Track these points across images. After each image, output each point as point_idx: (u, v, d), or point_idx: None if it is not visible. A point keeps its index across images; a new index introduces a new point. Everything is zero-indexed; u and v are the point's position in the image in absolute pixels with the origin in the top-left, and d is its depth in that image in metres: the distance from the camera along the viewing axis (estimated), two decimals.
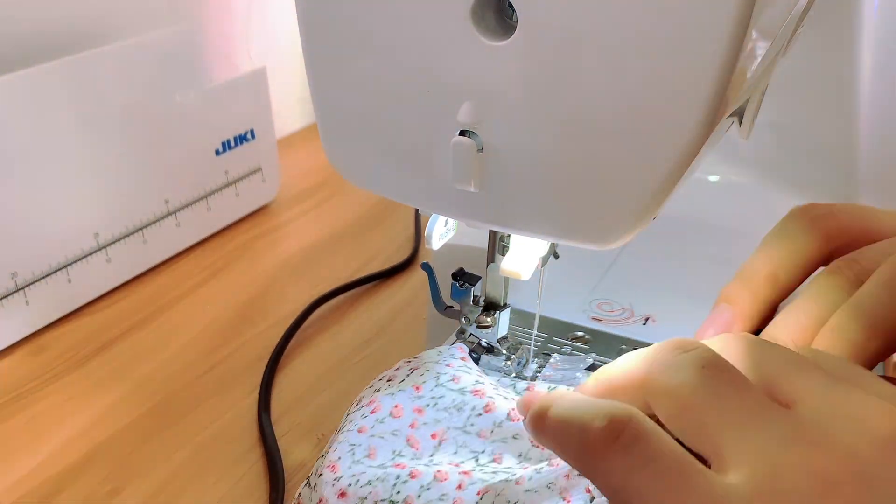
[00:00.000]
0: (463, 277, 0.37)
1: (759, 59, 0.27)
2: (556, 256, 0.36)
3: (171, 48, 0.57)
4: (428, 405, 0.33)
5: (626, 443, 0.24)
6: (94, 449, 0.43)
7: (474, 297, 0.37)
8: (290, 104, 0.80)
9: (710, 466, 0.24)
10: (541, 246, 0.34)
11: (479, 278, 0.37)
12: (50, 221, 0.51)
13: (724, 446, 0.24)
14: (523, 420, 0.29)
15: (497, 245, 0.36)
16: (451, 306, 0.38)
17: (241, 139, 0.64)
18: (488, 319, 0.37)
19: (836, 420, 0.24)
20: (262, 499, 0.40)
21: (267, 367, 0.48)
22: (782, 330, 0.32)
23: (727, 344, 0.28)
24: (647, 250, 0.46)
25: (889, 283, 0.30)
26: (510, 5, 0.25)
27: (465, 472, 0.30)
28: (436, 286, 0.38)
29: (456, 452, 0.31)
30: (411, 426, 0.32)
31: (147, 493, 0.40)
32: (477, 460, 0.31)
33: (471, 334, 0.38)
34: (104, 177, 0.54)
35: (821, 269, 0.34)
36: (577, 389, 0.31)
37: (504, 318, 0.38)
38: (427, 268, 0.38)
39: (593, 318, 0.42)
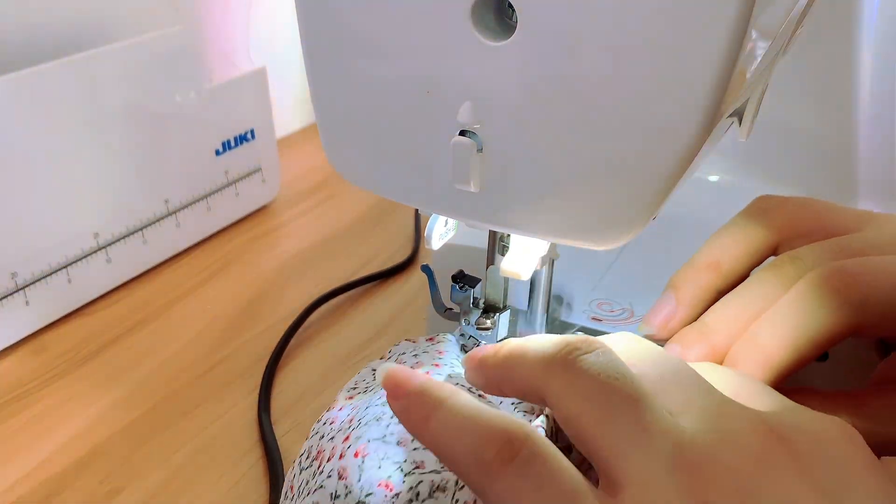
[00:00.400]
0: (463, 279, 0.37)
1: (759, 59, 0.27)
2: (556, 256, 0.36)
3: (171, 48, 0.57)
4: (354, 428, 0.32)
5: (521, 463, 0.24)
6: (94, 449, 0.43)
7: (474, 298, 0.37)
8: (290, 104, 0.80)
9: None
10: (541, 246, 0.34)
11: (479, 280, 0.37)
12: (50, 221, 0.51)
13: (613, 466, 0.24)
14: (389, 403, 0.27)
15: (497, 245, 0.36)
16: (451, 308, 0.38)
17: (241, 139, 0.64)
18: (488, 321, 0.37)
19: (713, 436, 0.24)
20: (262, 499, 0.40)
21: (267, 367, 0.48)
22: (715, 319, 0.33)
23: (624, 345, 0.29)
24: (647, 250, 0.46)
25: (804, 297, 0.31)
26: (510, 5, 0.25)
27: None
28: (435, 288, 0.38)
29: (380, 467, 0.30)
30: (340, 457, 0.31)
31: (147, 493, 0.40)
32: (401, 469, 0.30)
33: (471, 336, 0.38)
34: (104, 177, 0.54)
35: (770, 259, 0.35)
36: (480, 360, 0.30)
37: (504, 319, 0.38)
38: (427, 270, 0.38)
39: (593, 318, 0.42)
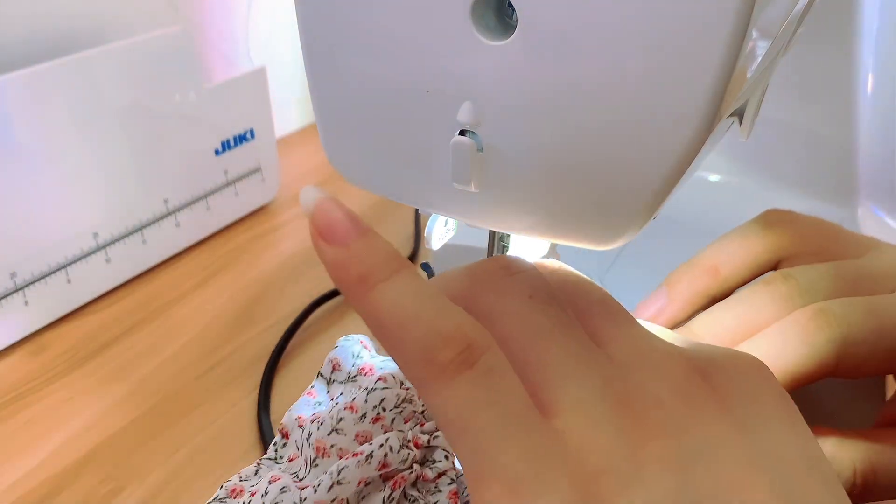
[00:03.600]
0: None
1: (759, 59, 0.27)
2: (557, 257, 0.36)
3: (171, 48, 0.57)
4: None
5: (479, 374, 0.22)
6: (94, 449, 0.43)
7: None
8: (290, 104, 0.80)
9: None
10: (541, 246, 0.34)
11: None
12: (49, 221, 0.51)
13: (548, 391, 0.23)
14: (315, 242, 0.23)
15: (497, 245, 0.36)
16: None
17: (241, 139, 0.64)
18: None
19: (642, 369, 0.24)
20: None
21: (267, 367, 0.48)
22: (701, 327, 0.34)
23: (551, 271, 0.29)
24: (647, 250, 0.46)
25: (784, 332, 0.31)
26: (510, 5, 0.25)
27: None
28: None
29: None
30: None
31: (147, 493, 0.40)
32: None
33: None
34: (104, 177, 0.54)
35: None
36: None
37: None
38: (427, 268, 0.38)
39: None
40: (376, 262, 0.23)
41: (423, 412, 0.32)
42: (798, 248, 0.36)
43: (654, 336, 0.26)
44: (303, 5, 0.29)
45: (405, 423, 0.31)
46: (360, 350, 0.35)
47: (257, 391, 0.46)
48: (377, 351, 0.39)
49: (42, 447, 0.43)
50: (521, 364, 0.24)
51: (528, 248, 0.34)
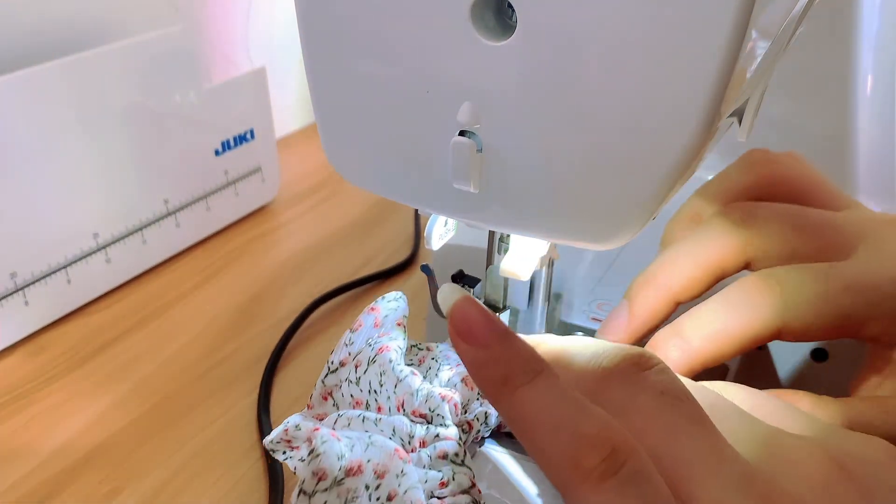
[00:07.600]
0: (462, 279, 0.37)
1: (759, 59, 0.27)
2: (556, 257, 0.36)
3: (171, 48, 0.57)
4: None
5: (625, 479, 0.22)
6: (94, 449, 0.43)
7: None
8: (290, 104, 0.80)
9: None
10: (541, 246, 0.34)
11: (479, 280, 0.37)
12: (50, 221, 0.51)
13: (684, 486, 0.23)
14: (454, 341, 0.24)
15: (497, 245, 0.36)
16: None
17: (241, 139, 0.64)
18: None
19: (773, 465, 0.24)
20: (262, 499, 0.40)
21: (267, 367, 0.48)
22: (691, 326, 0.33)
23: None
24: (647, 250, 0.46)
25: (730, 297, 0.32)
26: (510, 5, 0.25)
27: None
28: (435, 288, 0.38)
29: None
30: None
31: (147, 493, 0.40)
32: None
33: None
34: (104, 177, 0.54)
35: None
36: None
37: (504, 319, 0.38)
38: (427, 270, 0.38)
39: (593, 319, 0.42)
40: (517, 365, 0.23)
41: None
42: (777, 186, 0.36)
43: (780, 430, 0.26)
44: (303, 6, 0.29)
45: None
46: (341, 448, 0.32)
47: (257, 391, 0.46)
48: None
49: (42, 447, 0.43)
50: (657, 460, 0.24)
51: (528, 247, 0.34)
